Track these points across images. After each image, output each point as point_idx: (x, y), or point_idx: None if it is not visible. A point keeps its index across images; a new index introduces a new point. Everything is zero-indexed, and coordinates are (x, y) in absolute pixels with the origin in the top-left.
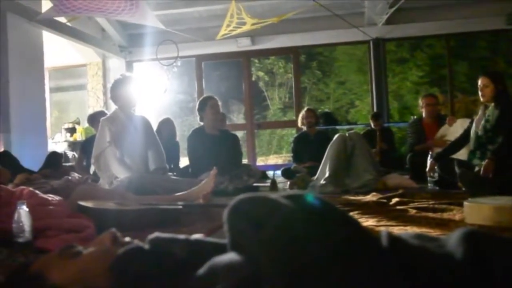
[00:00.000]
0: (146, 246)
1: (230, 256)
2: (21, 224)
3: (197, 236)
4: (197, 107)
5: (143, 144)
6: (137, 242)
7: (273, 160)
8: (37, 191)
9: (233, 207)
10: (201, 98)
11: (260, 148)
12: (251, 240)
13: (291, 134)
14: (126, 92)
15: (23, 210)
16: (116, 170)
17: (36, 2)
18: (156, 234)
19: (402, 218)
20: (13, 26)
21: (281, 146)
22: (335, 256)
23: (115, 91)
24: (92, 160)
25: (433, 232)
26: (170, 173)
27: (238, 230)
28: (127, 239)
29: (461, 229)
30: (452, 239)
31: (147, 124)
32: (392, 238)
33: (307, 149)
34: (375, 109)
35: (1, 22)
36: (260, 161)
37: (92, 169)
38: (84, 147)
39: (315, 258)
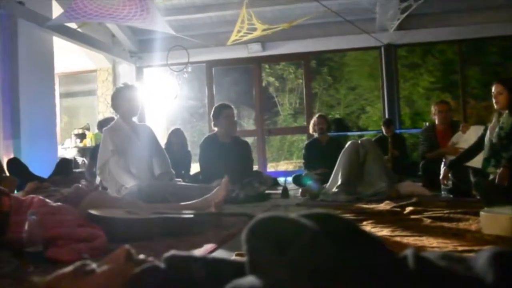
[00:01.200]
0: (162, 265)
1: (250, 281)
2: (31, 233)
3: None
4: (212, 113)
5: (147, 152)
6: (152, 260)
7: (283, 166)
8: (47, 200)
9: (253, 228)
10: (216, 105)
11: (271, 154)
12: (274, 265)
13: (301, 140)
14: (127, 101)
15: (34, 220)
16: (121, 179)
17: (46, 8)
18: (172, 252)
19: (417, 228)
20: (24, 31)
21: (292, 152)
22: (364, 281)
23: (116, 100)
24: (98, 171)
25: (450, 243)
26: (178, 179)
27: (259, 252)
28: (142, 256)
29: (489, 249)
30: (481, 261)
31: (149, 132)
32: (419, 259)
33: (318, 155)
34: (386, 115)
35: (12, 27)
36: (270, 167)
37: None
38: (94, 153)
39: (343, 284)
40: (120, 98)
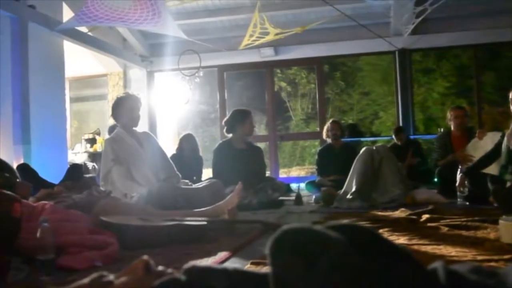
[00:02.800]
0: (182, 277)
1: None
2: (43, 241)
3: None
4: (232, 118)
5: (151, 159)
6: (171, 271)
7: (295, 172)
8: (59, 206)
9: (278, 239)
10: (238, 110)
11: (282, 160)
12: (301, 278)
13: (313, 145)
14: (129, 111)
15: (46, 227)
16: (124, 187)
17: (57, 12)
18: (192, 264)
19: (435, 236)
20: (34, 35)
21: (304, 158)
22: None
23: (116, 109)
24: (101, 182)
25: (468, 252)
26: (186, 181)
27: (285, 265)
28: (161, 267)
29: None
30: None
31: (151, 139)
32: (450, 273)
33: (332, 162)
34: (400, 121)
35: (22, 31)
36: (282, 173)
37: None
38: None
39: None
40: (121, 107)
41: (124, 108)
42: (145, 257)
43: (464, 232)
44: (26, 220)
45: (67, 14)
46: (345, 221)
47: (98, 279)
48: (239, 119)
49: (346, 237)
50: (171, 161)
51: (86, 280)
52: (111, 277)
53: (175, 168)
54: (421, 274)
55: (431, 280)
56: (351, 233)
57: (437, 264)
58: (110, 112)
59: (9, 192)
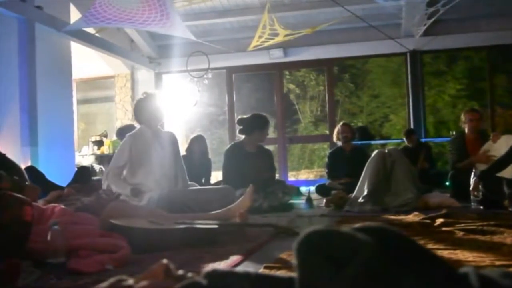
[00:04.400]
0: (203, 281)
1: None
2: (54, 244)
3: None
4: (252, 122)
5: (169, 159)
6: (191, 275)
7: (304, 175)
8: (68, 209)
9: (305, 240)
10: (260, 116)
11: (291, 163)
12: (329, 283)
13: (322, 148)
14: (149, 111)
15: (57, 230)
16: (116, 187)
17: (65, 13)
18: (213, 267)
19: (450, 240)
20: (41, 36)
21: (313, 160)
22: None
23: (138, 111)
24: (104, 177)
25: (486, 257)
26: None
27: (313, 267)
28: (181, 271)
29: None
30: None
31: (174, 142)
32: (483, 278)
33: (342, 165)
34: (411, 124)
35: (29, 32)
36: (291, 176)
37: None
38: None
39: None
40: (143, 109)
41: (147, 110)
42: (165, 260)
43: (480, 237)
44: (36, 223)
45: (75, 15)
46: (372, 223)
47: (117, 283)
48: (260, 126)
49: (375, 240)
50: (184, 166)
51: (104, 284)
52: (130, 281)
53: (186, 173)
54: (453, 279)
55: (464, 285)
56: (380, 235)
57: (467, 269)
58: (117, 114)
59: (20, 196)
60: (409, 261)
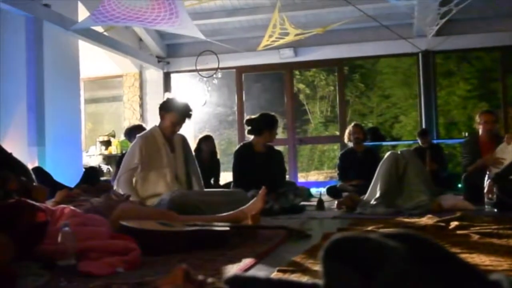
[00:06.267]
0: (225, 287)
1: None
2: (65, 246)
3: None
4: (261, 121)
5: (180, 166)
6: (212, 281)
7: (314, 176)
8: (78, 210)
9: (332, 248)
10: (269, 115)
11: (301, 164)
12: None
13: (332, 149)
14: (175, 119)
15: (67, 231)
16: (126, 191)
17: (73, 11)
18: (234, 273)
19: (466, 244)
20: (49, 35)
21: (322, 162)
22: None
23: (164, 109)
24: (116, 182)
25: (504, 261)
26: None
27: (340, 276)
28: (201, 276)
29: None
30: None
31: (185, 145)
32: None
33: (354, 166)
34: (423, 125)
35: (37, 30)
36: (300, 177)
37: None
38: (121, 162)
39: None
40: (170, 113)
41: (173, 115)
42: (184, 265)
43: (496, 240)
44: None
45: (83, 13)
46: (400, 229)
47: (138, 287)
48: (269, 125)
49: (405, 247)
50: (201, 177)
51: None
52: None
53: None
54: (486, 286)
55: None
56: (410, 242)
57: (497, 276)
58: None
59: (32, 202)
60: (440, 268)
